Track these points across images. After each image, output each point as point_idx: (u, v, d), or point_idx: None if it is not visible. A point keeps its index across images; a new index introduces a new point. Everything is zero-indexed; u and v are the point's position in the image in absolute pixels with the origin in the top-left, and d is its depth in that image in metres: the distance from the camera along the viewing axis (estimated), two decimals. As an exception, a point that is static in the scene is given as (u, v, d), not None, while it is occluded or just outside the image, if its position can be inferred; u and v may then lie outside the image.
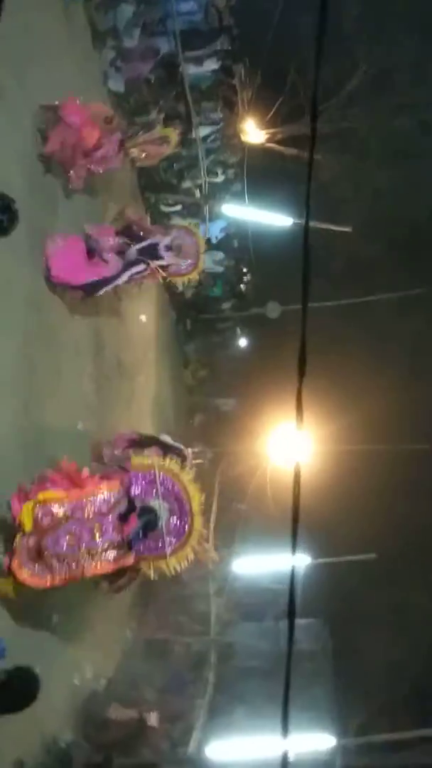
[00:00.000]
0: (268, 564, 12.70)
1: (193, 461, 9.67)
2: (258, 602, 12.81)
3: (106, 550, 5.96)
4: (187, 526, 6.39)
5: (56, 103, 7.70)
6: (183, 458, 9.32)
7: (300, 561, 13.61)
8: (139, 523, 6.11)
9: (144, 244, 8.68)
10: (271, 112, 15.40)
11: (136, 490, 6.35)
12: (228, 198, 14.69)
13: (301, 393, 2.62)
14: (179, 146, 11.22)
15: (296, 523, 2.69)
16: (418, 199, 16.13)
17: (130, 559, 6.23)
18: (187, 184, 13.69)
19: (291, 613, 2.89)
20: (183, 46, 11.58)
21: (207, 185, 13.68)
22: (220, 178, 14.32)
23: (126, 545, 6.11)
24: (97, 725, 8.33)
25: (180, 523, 6.40)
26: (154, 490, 6.37)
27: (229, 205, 14.68)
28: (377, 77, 15.81)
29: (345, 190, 16.68)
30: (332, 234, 15.99)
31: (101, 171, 8.52)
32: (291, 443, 13.73)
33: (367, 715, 11.55)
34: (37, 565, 5.70)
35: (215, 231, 14.69)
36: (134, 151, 9.11)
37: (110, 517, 6.00)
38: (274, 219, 14.57)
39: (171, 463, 6.67)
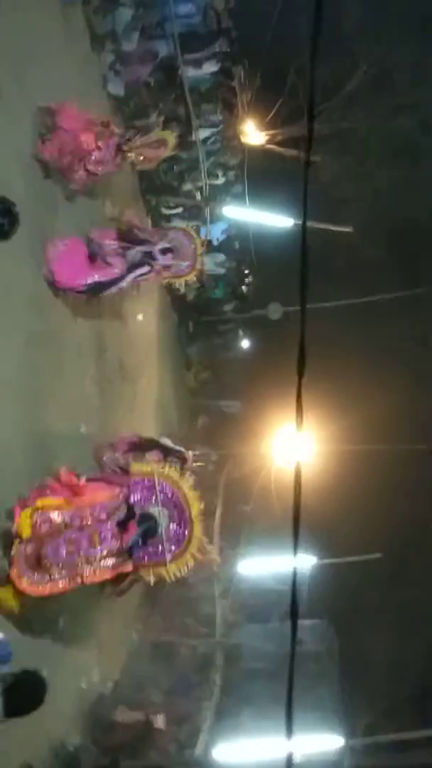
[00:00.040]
0: (273, 565, 12.70)
1: (195, 464, 9.68)
2: (263, 603, 12.81)
3: (104, 558, 5.93)
4: (186, 533, 6.37)
5: (53, 106, 7.72)
6: (184, 461, 9.34)
7: (305, 562, 13.61)
8: (138, 530, 6.09)
9: (146, 247, 8.70)
10: (271, 114, 15.41)
11: (135, 497, 6.33)
12: (229, 200, 14.70)
13: (300, 393, 2.62)
14: (178, 148, 11.23)
15: (297, 522, 2.69)
16: (420, 199, 16.13)
17: (129, 567, 6.22)
18: (187, 186, 13.70)
19: (294, 614, 2.89)
20: (182, 48, 11.59)
21: (208, 187, 13.69)
22: (220, 180, 14.34)
23: (125, 552, 6.09)
24: (104, 728, 8.34)
25: (180, 529, 6.38)
26: (154, 497, 6.36)
27: (230, 207, 14.69)
28: (377, 77, 15.82)
29: (345, 191, 16.69)
30: (333, 234, 16.01)
31: (98, 174, 8.54)
32: (298, 444, 13.73)
33: (375, 716, 11.54)
34: (36, 574, 5.67)
35: (216, 233, 14.70)
36: (132, 155, 9.11)
37: (109, 524, 5.97)
38: (275, 220, 14.58)
39: (171, 470, 6.64)
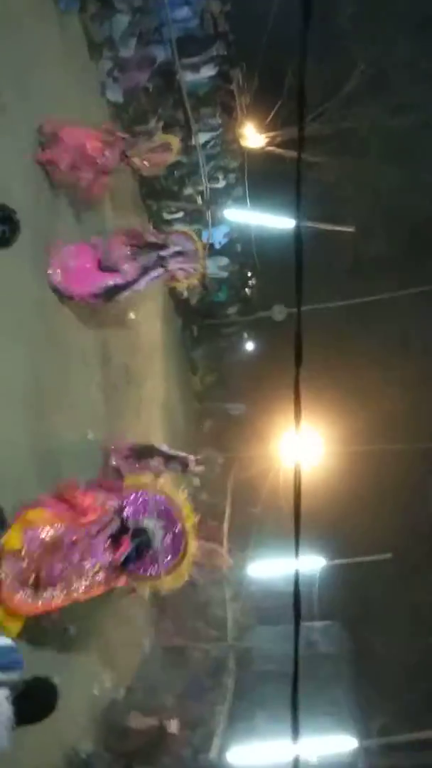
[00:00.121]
0: (283, 567, 12.69)
1: (197, 467, 9.68)
2: (274, 606, 12.78)
3: (97, 573, 5.89)
4: (181, 546, 6.34)
5: (54, 126, 7.77)
6: (185, 465, 9.34)
7: (315, 563, 13.60)
8: (131, 545, 6.05)
9: (159, 251, 8.73)
10: (270, 116, 15.44)
11: (128, 511, 6.29)
12: (230, 203, 14.73)
13: (299, 394, 2.62)
14: (181, 153, 11.25)
15: (298, 522, 2.69)
16: (423, 197, 16.12)
17: (122, 580, 6.20)
18: (188, 190, 13.72)
19: (297, 616, 2.89)
20: (179, 53, 11.61)
21: (208, 191, 13.70)
22: (221, 184, 14.36)
23: (118, 566, 6.05)
24: (118, 734, 8.32)
25: (174, 543, 6.35)
26: (148, 511, 6.32)
27: (232, 210, 14.71)
28: (376, 76, 15.83)
29: (347, 190, 16.70)
30: (337, 234, 16.02)
31: (105, 181, 8.59)
32: (302, 445, 13.71)
33: (389, 716, 11.50)
34: (28, 591, 5.62)
35: (218, 236, 14.72)
36: (137, 161, 9.12)
37: (101, 538, 5.93)
38: (276, 222, 14.59)
39: (164, 483, 6.62)
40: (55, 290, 7.76)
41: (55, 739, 6.61)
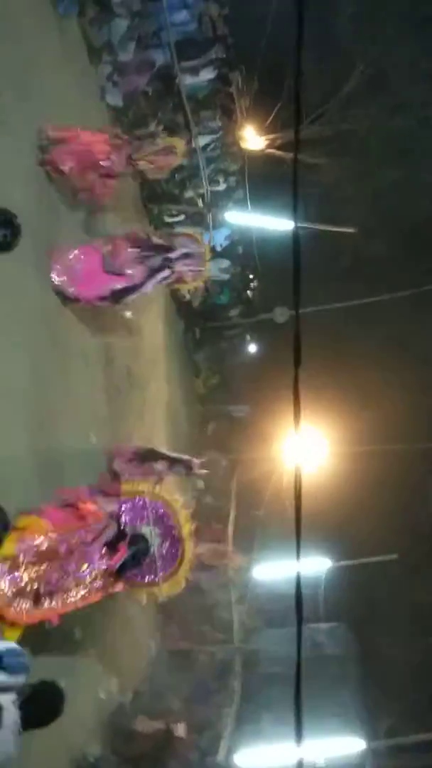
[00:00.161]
0: (288, 569, 12.68)
1: (201, 470, 9.66)
2: (280, 608, 12.78)
3: (94, 580, 5.88)
4: (178, 553, 6.33)
5: (59, 130, 7.82)
6: (190, 469, 9.33)
7: (320, 564, 13.59)
8: (128, 552, 6.03)
9: (167, 253, 8.74)
10: (270, 118, 15.46)
11: (126, 517, 6.28)
12: (230, 205, 14.74)
13: (298, 395, 2.62)
14: (188, 155, 11.27)
15: (299, 524, 2.69)
16: (423, 197, 16.12)
17: (119, 587, 6.18)
18: (189, 193, 13.73)
19: (299, 619, 2.88)
20: (178, 57, 11.63)
21: (209, 194, 13.72)
22: (221, 187, 14.37)
23: (115, 573, 6.03)
24: (125, 738, 8.32)
25: (171, 549, 6.34)
26: (145, 517, 6.30)
27: (232, 213, 14.72)
28: (375, 77, 15.84)
29: (347, 191, 16.70)
30: (339, 235, 16.02)
31: (112, 185, 8.62)
32: (304, 446, 13.69)
33: (396, 717, 11.47)
34: (24, 601, 5.60)
35: (219, 239, 14.72)
36: (142, 164, 9.13)
37: (97, 545, 5.91)
38: (277, 224, 14.60)
39: (162, 489, 6.61)
40: (60, 293, 7.76)
41: (62, 743, 6.61)
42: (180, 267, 8.91)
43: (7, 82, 6.98)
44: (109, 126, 9.69)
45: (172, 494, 6.60)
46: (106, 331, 9.44)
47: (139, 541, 6.17)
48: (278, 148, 15.70)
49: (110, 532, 6.03)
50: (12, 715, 3.98)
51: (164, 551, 6.29)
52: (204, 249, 9.67)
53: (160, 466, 8.89)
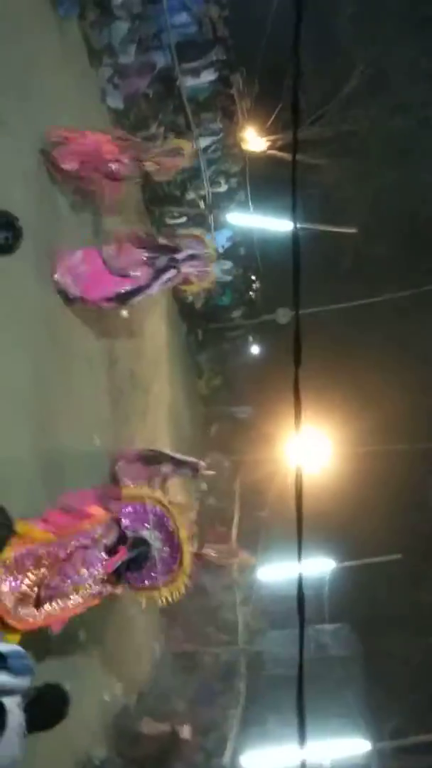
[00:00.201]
0: (292, 570, 12.67)
1: (207, 472, 9.66)
2: (284, 609, 12.76)
3: (94, 584, 5.88)
4: (177, 558, 6.33)
5: (64, 131, 7.84)
6: (196, 471, 9.33)
7: (325, 565, 13.58)
8: (128, 555, 6.02)
9: (173, 254, 8.75)
10: (271, 119, 15.48)
11: (127, 521, 6.28)
12: (232, 207, 14.74)
13: (299, 395, 2.62)
14: (195, 157, 11.26)
15: (300, 524, 2.69)
16: (424, 197, 16.12)
17: (119, 591, 6.17)
18: (190, 195, 13.74)
19: (301, 620, 2.88)
20: (179, 58, 11.65)
21: (211, 195, 13.73)
22: (223, 188, 14.38)
23: (115, 577, 6.03)
24: (130, 740, 8.31)
25: (171, 553, 6.34)
26: (146, 521, 6.30)
27: (234, 214, 14.73)
28: (375, 77, 15.85)
29: (348, 192, 16.71)
30: (340, 236, 16.02)
31: (120, 186, 8.64)
32: (305, 446, 13.68)
33: (401, 718, 11.46)
34: (24, 608, 5.59)
35: (221, 240, 14.73)
36: (149, 165, 9.13)
37: (96, 549, 5.91)
38: (279, 225, 14.60)
39: (162, 494, 6.62)
40: (64, 295, 7.76)
41: (67, 745, 6.61)
42: (186, 268, 8.91)
43: (8, 84, 6.99)
44: (117, 127, 9.67)
45: (173, 498, 6.61)
46: (108, 333, 9.44)
47: (139, 544, 6.17)
48: (279, 149, 15.71)
49: (111, 536, 6.03)
50: (17, 717, 3.98)
51: (164, 556, 6.28)
52: (210, 250, 9.67)
53: (165, 468, 8.90)
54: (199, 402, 17.42)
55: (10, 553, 5.46)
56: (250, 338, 18.40)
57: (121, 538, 6.04)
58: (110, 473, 8.55)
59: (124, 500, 6.33)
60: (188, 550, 6.27)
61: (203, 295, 13.95)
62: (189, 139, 11.04)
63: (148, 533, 6.19)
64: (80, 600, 5.80)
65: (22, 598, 5.49)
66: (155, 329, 12.72)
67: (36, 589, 5.52)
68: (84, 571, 5.74)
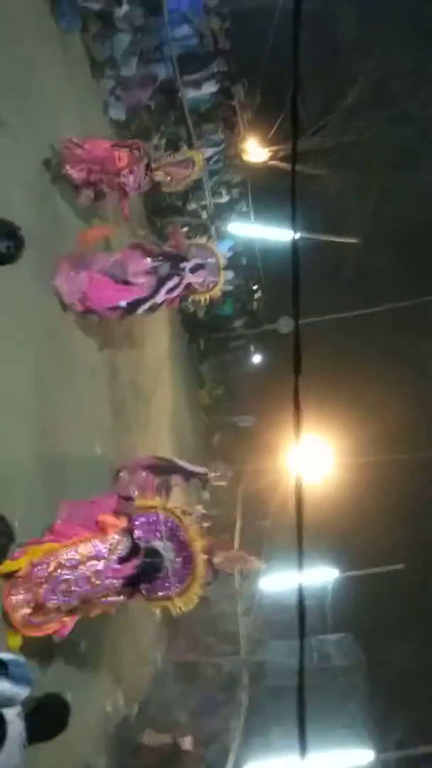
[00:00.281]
0: (294, 580, 12.62)
1: (217, 483, 9.64)
2: (287, 619, 12.72)
3: (108, 594, 5.90)
4: (191, 568, 6.33)
5: (76, 141, 7.90)
6: (206, 482, 9.31)
7: (328, 575, 13.53)
8: (140, 565, 6.03)
9: (178, 263, 8.77)
10: (272, 130, 15.55)
11: (139, 532, 6.29)
12: (234, 217, 14.80)
13: (299, 405, 2.62)
14: (205, 168, 11.29)
15: (301, 533, 2.69)
16: (425, 207, 16.16)
17: (133, 600, 6.19)
18: (192, 205, 13.80)
19: (301, 629, 2.88)
20: (180, 70, 11.74)
21: (212, 206, 13.79)
22: (224, 198, 14.45)
23: (129, 587, 6.04)
24: (131, 751, 8.27)
25: (185, 564, 6.34)
26: (158, 533, 6.31)
27: (236, 224, 14.78)
28: (377, 88, 15.94)
29: (350, 202, 16.77)
30: (342, 246, 16.07)
31: (129, 193, 8.68)
32: (306, 456, 13.66)
33: (405, 729, 11.40)
34: (36, 617, 5.61)
35: (223, 251, 14.77)
36: (159, 175, 9.16)
37: (109, 560, 5.92)
38: (280, 235, 14.65)
39: (174, 505, 6.61)
40: (67, 305, 7.78)
41: (68, 756, 6.57)
42: (193, 278, 8.93)
43: (9, 96, 7.04)
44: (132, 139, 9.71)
45: (185, 508, 6.60)
46: (110, 342, 9.46)
47: (152, 555, 6.17)
48: (281, 160, 15.78)
49: (124, 547, 6.03)
50: (17, 728, 3.96)
51: (177, 567, 6.28)
52: (218, 259, 9.69)
53: (175, 479, 8.89)
54: (201, 411, 17.43)
55: (23, 564, 5.50)
56: (252, 348, 18.43)
57: (134, 549, 6.04)
58: (113, 482, 8.55)
59: (137, 511, 6.34)
60: (202, 560, 6.26)
61: (205, 304, 13.99)
62: (202, 151, 11.06)
63: (161, 544, 6.19)
64: (95, 608, 5.84)
65: (36, 608, 5.53)
66: (157, 339, 12.75)
67: (45, 600, 5.55)
68: (97, 582, 5.75)
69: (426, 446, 14.96)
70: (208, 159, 13.33)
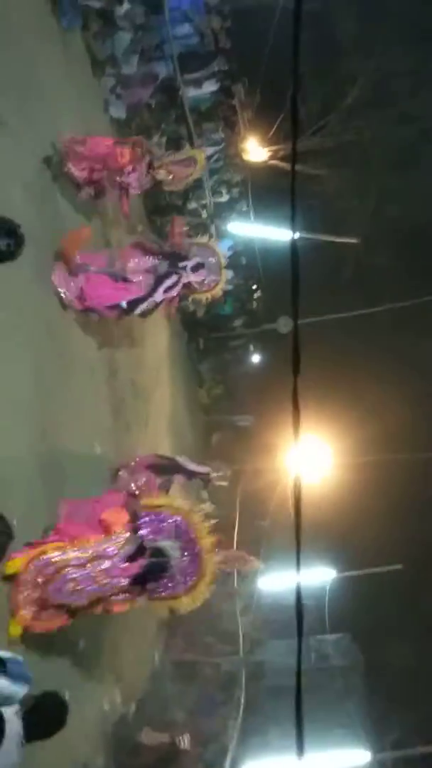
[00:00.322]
0: (293, 580, 12.63)
1: (219, 483, 9.63)
2: (285, 619, 12.72)
3: (116, 594, 5.91)
4: (199, 566, 6.32)
5: (76, 138, 7.89)
6: (208, 482, 9.30)
7: (326, 575, 13.54)
8: (146, 564, 6.02)
9: (178, 261, 8.76)
10: (272, 130, 15.55)
11: (146, 531, 6.28)
12: (233, 216, 14.79)
13: (297, 404, 2.62)
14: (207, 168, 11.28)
15: (299, 533, 2.69)
16: (425, 207, 16.17)
17: (142, 600, 6.19)
18: (192, 205, 13.80)
19: (299, 629, 2.88)
20: (181, 69, 11.73)
21: (212, 205, 13.78)
22: (224, 198, 14.44)
23: (137, 587, 6.04)
24: (129, 750, 8.26)
25: (192, 563, 6.32)
26: (166, 531, 6.29)
27: (235, 224, 14.78)
28: (377, 88, 15.94)
29: (351, 202, 16.77)
30: (342, 246, 16.07)
31: (130, 191, 8.67)
32: (304, 456, 13.66)
33: (403, 729, 11.40)
34: (43, 613, 5.65)
35: (223, 250, 14.77)
36: (161, 173, 9.16)
37: (116, 560, 5.92)
38: (280, 234, 14.65)
39: (181, 503, 6.59)
40: (67, 304, 7.77)
41: (65, 755, 6.57)
42: (193, 277, 8.92)
43: (10, 94, 7.04)
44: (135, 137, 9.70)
45: (193, 507, 6.58)
46: (110, 341, 9.45)
47: (158, 555, 6.16)
48: (281, 159, 15.79)
49: (131, 546, 6.02)
50: (15, 726, 3.97)
51: (184, 565, 6.27)
52: (219, 259, 9.69)
53: (178, 479, 8.88)
54: (200, 411, 17.43)
55: (28, 562, 5.51)
56: (251, 347, 18.44)
57: (141, 548, 6.03)
58: (112, 481, 8.54)
59: (143, 510, 6.33)
60: (211, 558, 6.26)
61: (205, 303, 14.00)
62: (204, 149, 11.06)
63: (168, 543, 6.18)
64: (102, 608, 5.88)
65: (42, 606, 5.54)
66: (156, 338, 12.74)
67: (52, 598, 5.57)
68: (104, 580, 5.75)
69: (425, 446, 14.95)
70: (209, 158, 13.33)
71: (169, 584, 6.19)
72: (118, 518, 6.14)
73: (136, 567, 5.93)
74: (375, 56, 15.46)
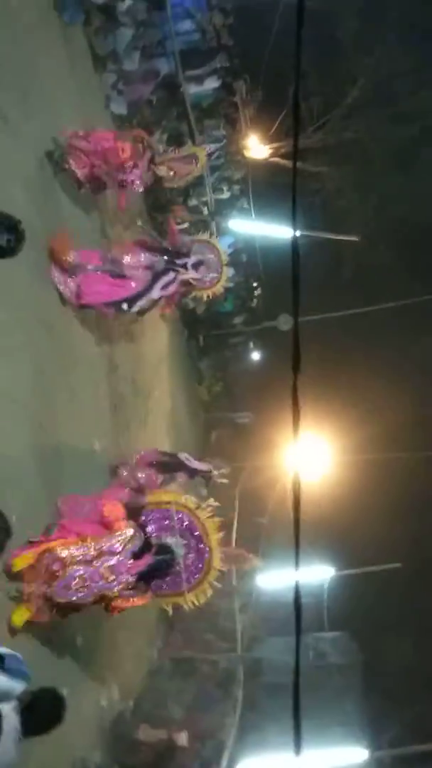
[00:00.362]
0: (291, 577, 12.63)
1: (221, 480, 9.63)
2: (283, 616, 12.71)
3: (121, 590, 5.91)
4: (204, 563, 6.32)
5: (79, 133, 7.88)
6: (209, 479, 9.30)
7: (325, 573, 13.55)
8: (152, 561, 6.02)
9: (176, 259, 8.75)
10: (274, 127, 15.53)
11: (151, 528, 6.27)
12: (234, 214, 14.78)
13: (297, 401, 2.62)
14: (207, 164, 11.26)
15: (298, 530, 2.69)
16: (426, 206, 16.16)
17: (147, 597, 6.19)
18: (193, 201, 13.78)
19: (297, 627, 2.88)
20: (183, 66, 11.72)
21: (213, 202, 13.76)
22: (225, 195, 14.42)
23: (142, 583, 6.04)
24: (127, 747, 8.26)
25: (198, 559, 6.32)
26: (171, 528, 6.29)
27: (236, 221, 14.76)
28: (378, 86, 15.92)
29: (352, 200, 16.75)
30: (343, 244, 16.05)
31: (132, 186, 8.64)
32: (304, 453, 13.65)
33: (400, 727, 11.42)
34: (46, 608, 5.68)
35: (223, 247, 14.75)
36: (162, 169, 9.14)
37: (122, 556, 5.92)
38: (281, 232, 14.64)
39: (187, 500, 6.59)
40: (66, 300, 7.77)
41: (63, 750, 6.58)
42: (193, 274, 8.91)
43: (11, 89, 7.03)
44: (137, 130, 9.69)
45: (199, 504, 6.58)
46: (110, 338, 9.45)
47: (164, 551, 6.16)
48: (282, 156, 15.76)
49: (137, 543, 6.02)
50: (12, 722, 3.97)
51: (190, 562, 6.27)
52: (220, 256, 9.68)
53: (180, 477, 8.88)
54: (199, 408, 17.41)
55: (34, 558, 5.52)
56: (252, 345, 18.43)
57: (147, 545, 6.03)
58: (112, 478, 8.53)
59: (149, 506, 6.33)
60: (218, 553, 6.26)
61: (206, 301, 14.00)
62: (205, 147, 11.04)
63: (173, 540, 6.18)
64: (109, 605, 5.91)
65: (49, 599, 5.55)
66: (156, 335, 12.73)
67: (59, 595, 5.58)
68: (111, 577, 5.75)
69: (425, 444, 14.96)
70: (210, 155, 13.32)
71: (174, 581, 6.21)
72: (116, 512, 6.14)
73: (143, 564, 5.93)
74: (376, 55, 15.44)
